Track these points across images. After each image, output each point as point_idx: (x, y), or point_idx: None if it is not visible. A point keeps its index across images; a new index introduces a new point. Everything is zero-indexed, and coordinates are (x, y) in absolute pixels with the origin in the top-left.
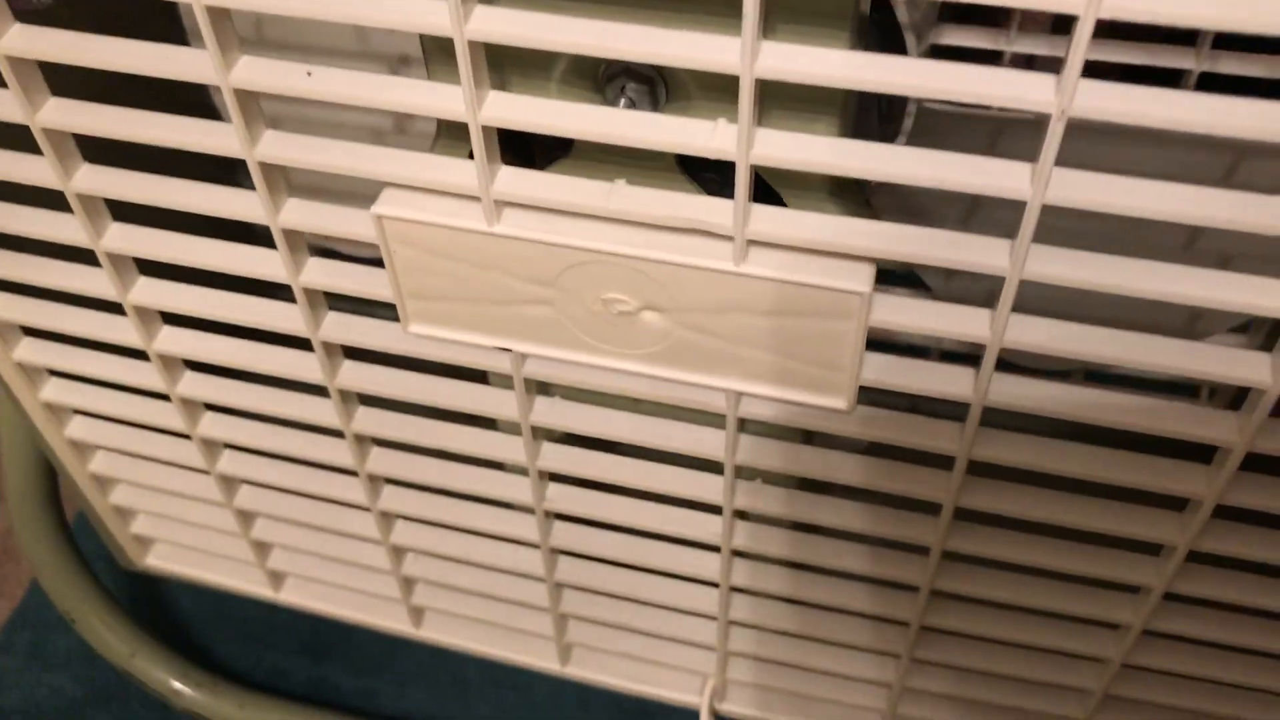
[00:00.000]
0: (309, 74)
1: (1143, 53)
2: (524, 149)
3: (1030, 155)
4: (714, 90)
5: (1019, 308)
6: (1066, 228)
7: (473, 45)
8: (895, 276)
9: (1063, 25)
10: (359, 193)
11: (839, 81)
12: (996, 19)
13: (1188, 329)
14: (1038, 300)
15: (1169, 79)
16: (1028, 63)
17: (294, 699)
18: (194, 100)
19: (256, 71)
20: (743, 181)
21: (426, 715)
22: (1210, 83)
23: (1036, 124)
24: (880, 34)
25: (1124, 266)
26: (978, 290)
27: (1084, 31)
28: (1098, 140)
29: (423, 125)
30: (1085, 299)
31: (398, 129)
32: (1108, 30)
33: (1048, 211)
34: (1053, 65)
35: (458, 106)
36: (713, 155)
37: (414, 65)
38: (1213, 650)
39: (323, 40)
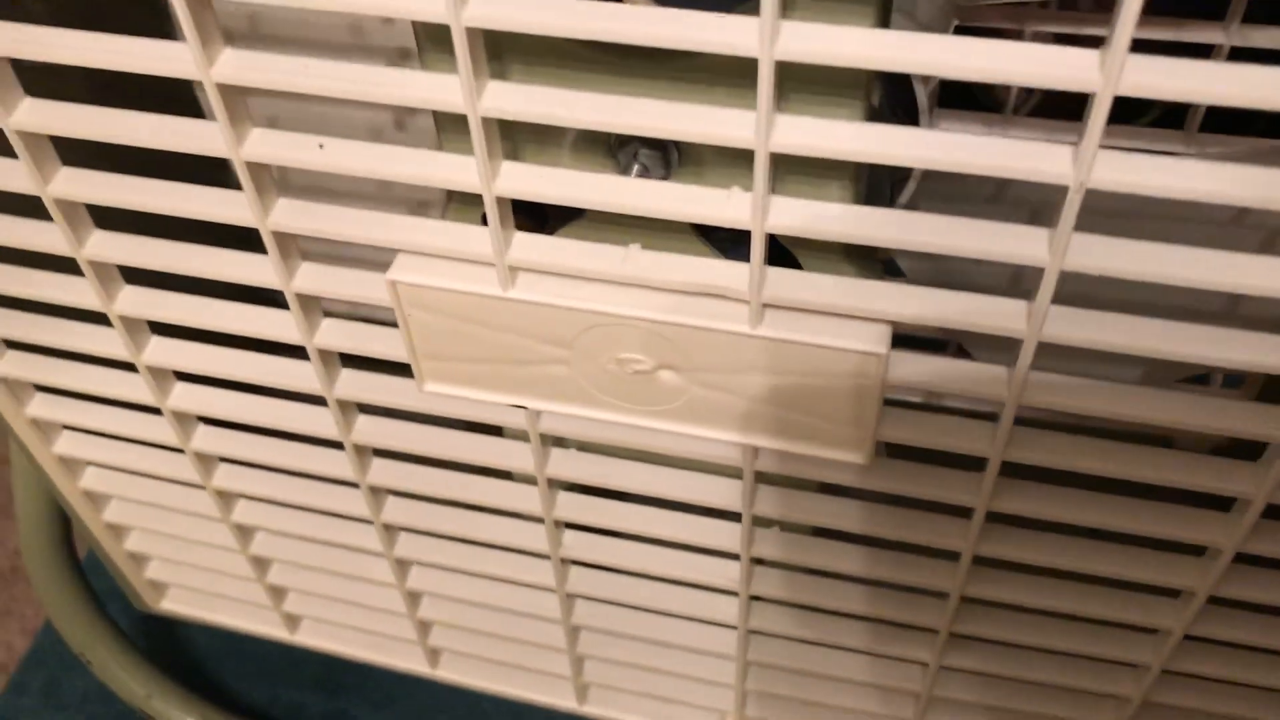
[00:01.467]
0: (320, 146)
1: (1171, 28)
2: (537, 208)
3: (1045, 189)
4: (727, 154)
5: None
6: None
7: (486, 120)
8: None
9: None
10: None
11: (852, 155)
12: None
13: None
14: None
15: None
16: (1028, 90)
17: None
18: (183, 96)
19: (269, 145)
20: (758, 250)
21: None
22: (1241, 55)
23: None
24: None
25: (1151, 327)
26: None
27: (1101, 110)
28: None
29: (423, 121)
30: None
31: (397, 125)
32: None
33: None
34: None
35: (472, 179)
36: (728, 225)
37: (413, 58)
38: (1253, 655)
39: (318, 34)
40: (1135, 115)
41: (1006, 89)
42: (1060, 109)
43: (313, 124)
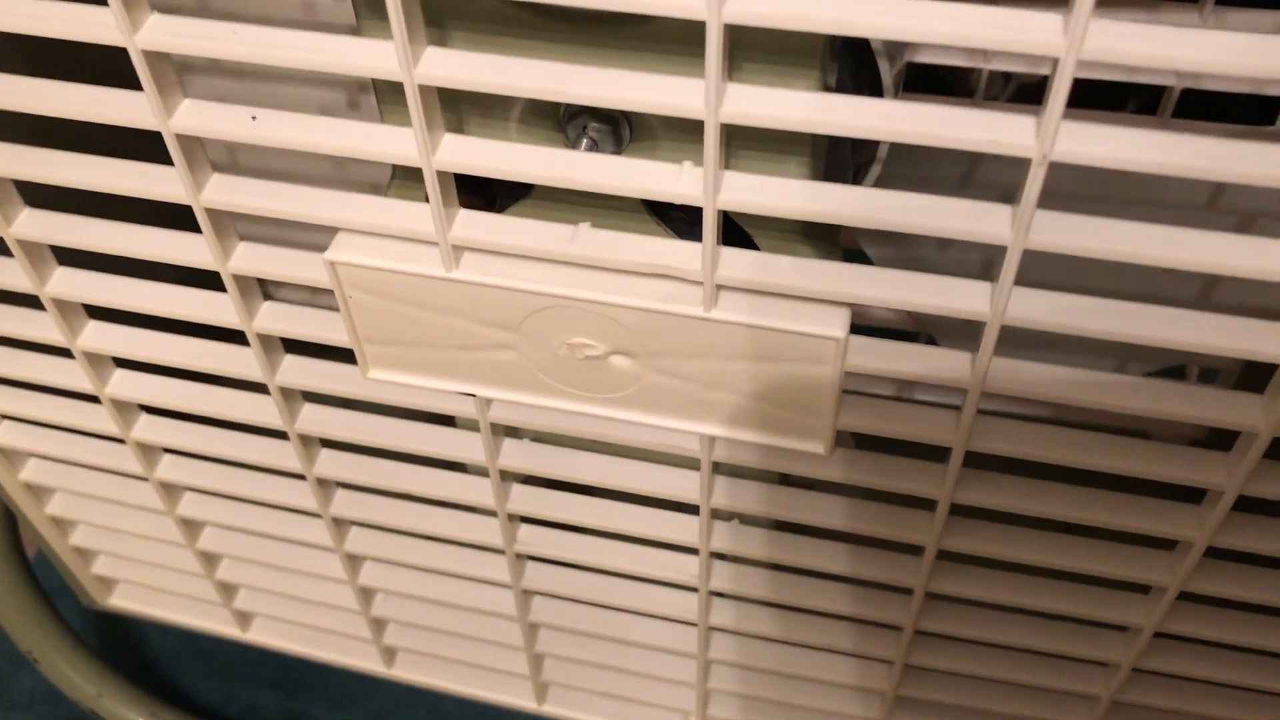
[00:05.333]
0: (254, 118)
1: (1144, 9)
2: (485, 187)
3: (1015, 173)
4: (680, 129)
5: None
6: (1073, 192)
7: (424, 88)
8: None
9: None
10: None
11: (807, 126)
12: None
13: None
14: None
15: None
16: (1005, 80)
17: None
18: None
19: (199, 117)
20: (710, 227)
21: None
22: (1190, 97)
23: None
24: (853, 56)
25: (1118, 310)
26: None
27: (1064, 76)
28: None
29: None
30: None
31: (351, 105)
32: None
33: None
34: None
35: (410, 151)
36: (679, 201)
37: None
38: (1225, 653)
39: (268, 10)
40: (1116, 107)
41: (978, 74)
42: (1036, 98)
43: (262, 103)
